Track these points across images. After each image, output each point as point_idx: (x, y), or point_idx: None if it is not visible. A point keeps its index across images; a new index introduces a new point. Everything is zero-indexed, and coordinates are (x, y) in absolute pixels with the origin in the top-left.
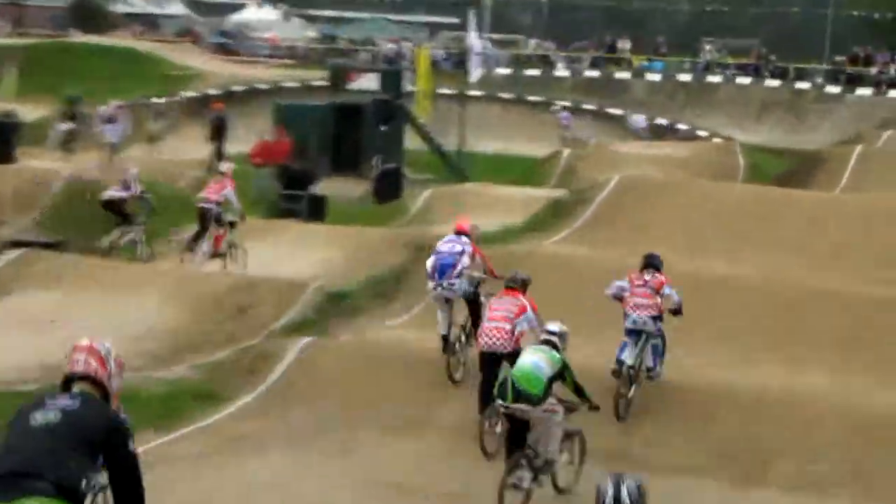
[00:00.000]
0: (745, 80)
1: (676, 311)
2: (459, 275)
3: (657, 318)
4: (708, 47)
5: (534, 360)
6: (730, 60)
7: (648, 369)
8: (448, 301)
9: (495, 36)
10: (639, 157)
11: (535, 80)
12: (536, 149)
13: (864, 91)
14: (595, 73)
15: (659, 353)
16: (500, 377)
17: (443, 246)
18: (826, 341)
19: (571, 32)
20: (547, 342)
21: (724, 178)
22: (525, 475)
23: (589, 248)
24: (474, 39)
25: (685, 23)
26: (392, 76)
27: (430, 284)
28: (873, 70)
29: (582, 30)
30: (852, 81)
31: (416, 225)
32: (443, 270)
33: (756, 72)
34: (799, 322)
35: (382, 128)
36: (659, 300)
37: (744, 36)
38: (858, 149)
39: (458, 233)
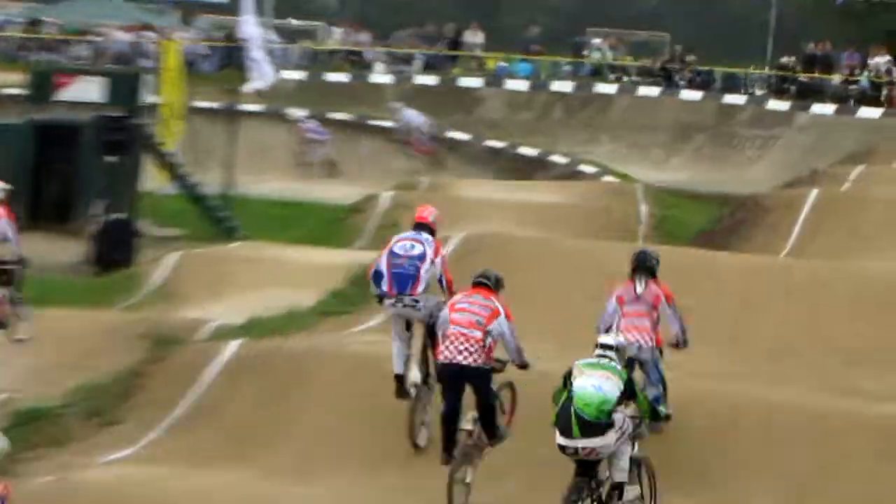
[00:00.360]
0: (651, 92)
1: (678, 345)
2: (426, 288)
3: (656, 347)
4: (598, 42)
5: (594, 384)
6: (630, 62)
7: (652, 404)
8: (409, 323)
9: (284, 23)
10: (494, 204)
11: (341, 89)
12: (342, 190)
13: (823, 108)
14: (430, 80)
15: (659, 401)
16: (558, 407)
17: (398, 246)
18: (771, 480)
19: (396, 19)
20: (601, 357)
21: (620, 235)
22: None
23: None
24: (251, 28)
25: (565, 8)
26: (125, 82)
27: (388, 301)
28: (836, 77)
29: (412, 16)
30: (806, 94)
31: (156, 306)
32: (403, 283)
33: (668, 79)
34: (729, 450)
35: (108, 158)
36: (657, 320)
37: (650, 28)
38: (814, 193)
39: (419, 225)
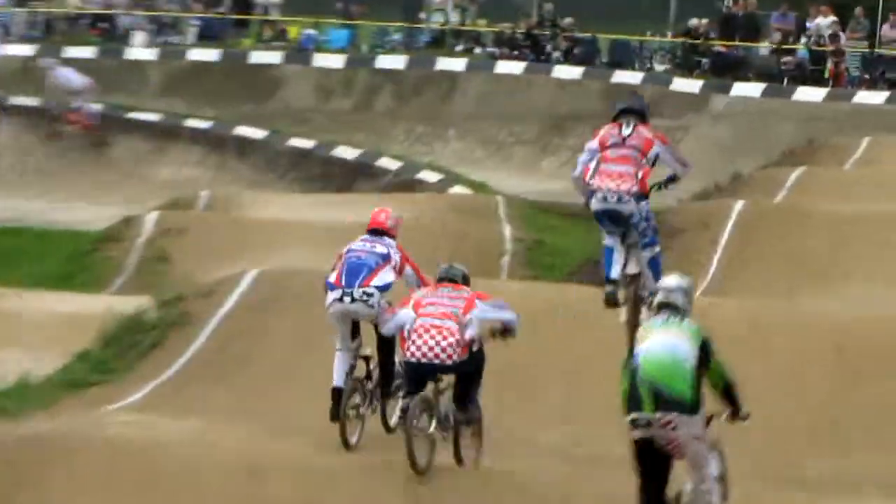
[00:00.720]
0: (513, 68)
1: (673, 179)
2: (384, 287)
3: (642, 198)
4: (439, 0)
5: (667, 342)
6: (483, 27)
7: (650, 294)
8: (356, 325)
9: None
10: (299, 228)
11: (86, 69)
12: (91, 211)
13: (748, 88)
14: (210, 55)
15: (658, 265)
16: (625, 386)
17: (357, 244)
18: None
19: None
20: (666, 306)
21: (475, 268)
22: None
23: (199, 419)
24: None
25: None
26: None
27: (332, 294)
28: (763, 46)
29: None
30: (723, 69)
31: None
32: (355, 272)
33: (536, 51)
34: None
35: None
36: (645, 168)
37: None
38: (739, 207)
39: (375, 232)
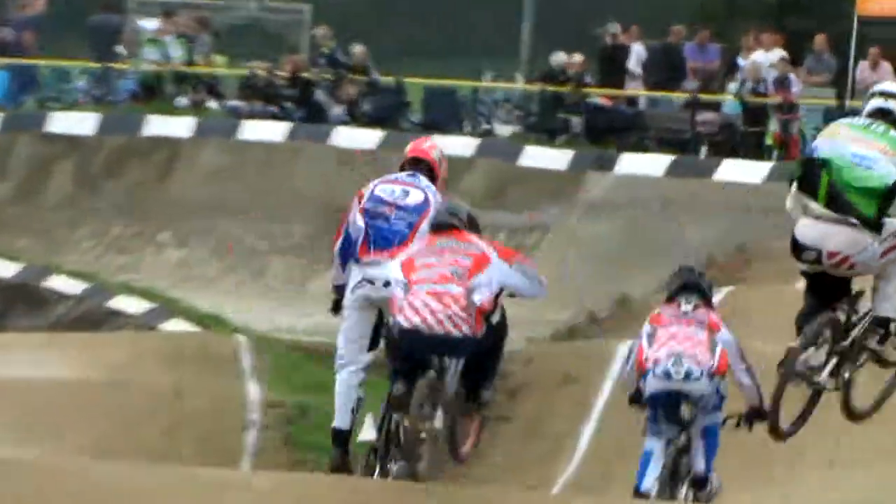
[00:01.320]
0: (270, 132)
1: (753, 415)
2: None
3: (713, 375)
4: (151, 26)
5: (857, 153)
6: (223, 69)
7: (697, 481)
8: (381, 319)
9: None
10: None
11: None
12: None
13: (644, 162)
14: None
15: (713, 446)
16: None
17: (382, 188)
18: None
19: None
20: (879, 113)
21: (200, 450)
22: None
23: None
24: None
25: None
26: None
27: (356, 274)
28: (673, 97)
29: None
30: (603, 134)
31: None
32: (384, 246)
33: (304, 102)
34: None
35: None
36: (716, 346)
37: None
38: (624, 351)
39: (415, 163)
